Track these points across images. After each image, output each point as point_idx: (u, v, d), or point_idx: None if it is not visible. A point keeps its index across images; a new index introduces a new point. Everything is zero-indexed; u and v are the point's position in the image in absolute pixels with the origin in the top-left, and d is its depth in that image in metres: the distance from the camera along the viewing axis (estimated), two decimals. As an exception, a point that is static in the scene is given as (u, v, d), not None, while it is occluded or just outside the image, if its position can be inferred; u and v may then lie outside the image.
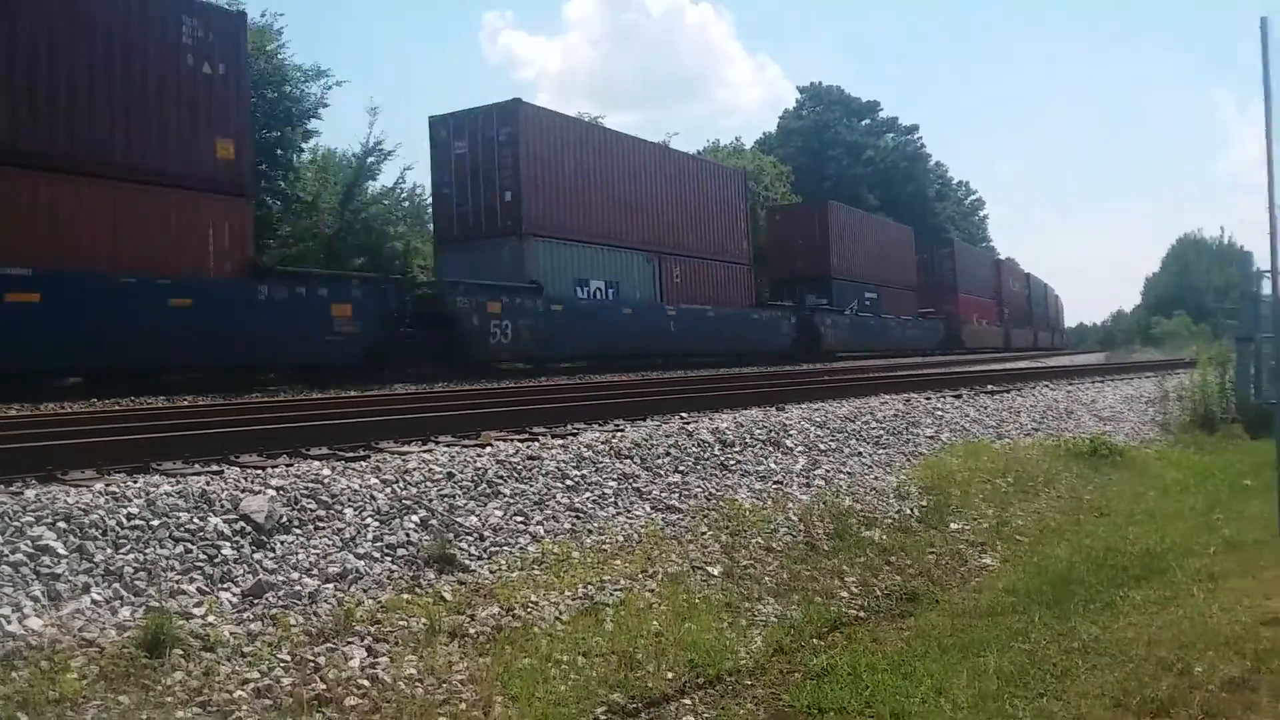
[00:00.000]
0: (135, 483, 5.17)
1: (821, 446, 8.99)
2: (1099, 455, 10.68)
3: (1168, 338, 53.00)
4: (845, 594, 6.00)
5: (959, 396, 13.64)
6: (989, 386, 15.48)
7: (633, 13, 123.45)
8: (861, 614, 5.76)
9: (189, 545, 4.63)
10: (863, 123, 72.88)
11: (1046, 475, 9.66)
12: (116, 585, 4.23)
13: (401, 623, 4.47)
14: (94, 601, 4.10)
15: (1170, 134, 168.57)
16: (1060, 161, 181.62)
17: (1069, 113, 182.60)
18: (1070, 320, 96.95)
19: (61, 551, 4.30)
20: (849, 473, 8.45)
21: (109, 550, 4.42)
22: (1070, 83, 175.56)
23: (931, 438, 10.53)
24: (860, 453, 9.18)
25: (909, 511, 7.72)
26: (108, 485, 5.04)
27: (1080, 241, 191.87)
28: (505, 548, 5.55)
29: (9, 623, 3.79)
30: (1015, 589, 6.13)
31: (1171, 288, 77.49)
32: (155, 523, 4.69)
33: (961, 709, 4.27)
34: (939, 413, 11.85)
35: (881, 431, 10.10)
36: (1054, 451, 10.76)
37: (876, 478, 8.49)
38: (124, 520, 4.63)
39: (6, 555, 4.16)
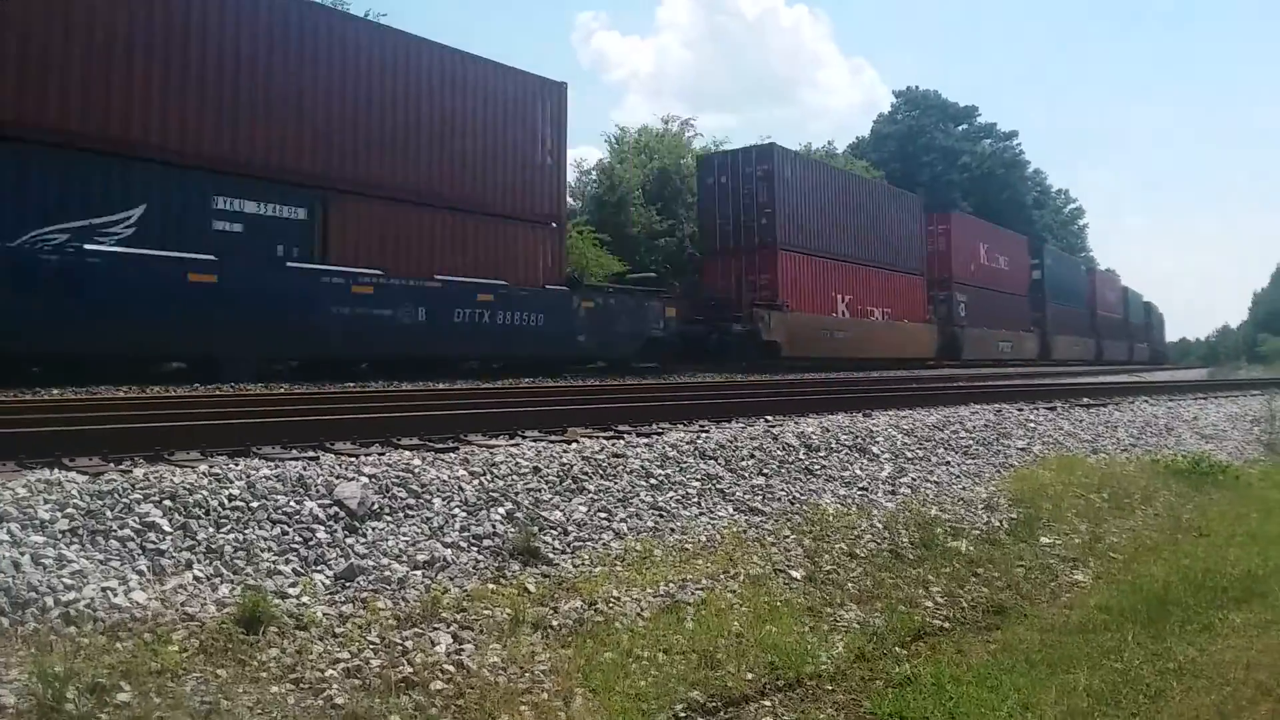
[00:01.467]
0: (236, 465, 5.35)
1: (908, 454, 8.87)
2: (1200, 473, 10.33)
3: (1275, 355, 50.98)
4: (930, 604, 5.91)
5: (1052, 408, 13.30)
6: (1084, 399, 15.07)
7: (726, 14, 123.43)
8: (946, 624, 5.67)
9: (285, 527, 4.78)
10: (959, 128, 71.66)
11: (1144, 492, 9.38)
12: (217, 563, 4.39)
13: (486, 612, 4.54)
14: (195, 578, 4.25)
15: (1276, 145, 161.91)
16: (1166, 172, 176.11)
17: (1175, 122, 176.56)
18: (1172, 334, 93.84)
19: (166, 529, 4.47)
20: (936, 482, 8.32)
21: (211, 529, 4.58)
22: (1177, 91, 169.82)
23: (1023, 449, 10.30)
24: (948, 462, 9.02)
25: (998, 523, 7.56)
26: (211, 467, 5.23)
27: (1186, 255, 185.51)
28: (588, 543, 5.60)
29: (115, 595, 3.96)
30: (1108, 606, 5.97)
31: (1281, 303, 74.56)
32: (254, 504, 4.85)
33: (1049, 726, 4.18)
34: (1031, 424, 11.58)
35: (970, 441, 9.92)
36: (1152, 468, 10.44)
37: (964, 488, 8.34)
38: (225, 501, 4.80)
39: (115, 530, 4.35)
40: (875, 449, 8.70)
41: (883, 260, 32.74)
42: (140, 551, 4.30)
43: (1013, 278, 43.64)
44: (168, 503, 4.64)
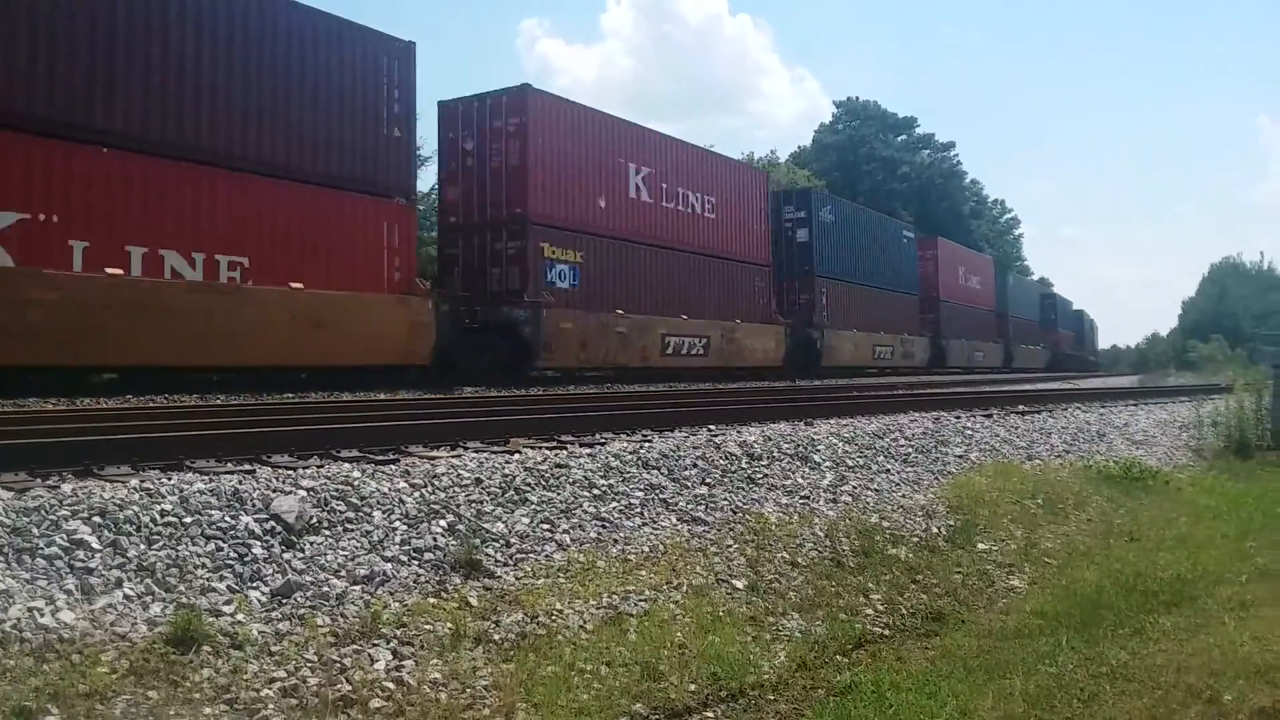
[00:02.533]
0: (169, 479, 5.23)
1: (849, 463, 8.96)
2: (1131, 479, 10.57)
3: (1203, 362, 52.42)
4: (870, 611, 5.97)
5: (989, 416, 13.54)
6: (1020, 407, 15.35)
7: (670, 23, 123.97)
8: (886, 632, 5.73)
9: (220, 543, 4.68)
10: (899, 138, 72.68)
11: (1077, 498, 9.57)
12: (148, 581, 4.29)
13: (427, 627, 4.50)
14: (126, 596, 4.15)
15: (1210, 158, 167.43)
16: (1096, 183, 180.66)
17: (1106, 134, 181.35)
18: (1104, 342, 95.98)
19: (96, 546, 4.36)
20: (876, 490, 8.41)
21: (142, 546, 4.48)
22: (1107, 104, 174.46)
23: (960, 457, 10.46)
24: (888, 470, 9.13)
25: (936, 530, 7.67)
26: (142, 482, 5.11)
27: (1116, 263, 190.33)
28: (531, 555, 5.57)
29: (42, 615, 3.85)
30: (1043, 612, 6.08)
31: (1208, 312, 76.74)
32: (188, 520, 4.74)
33: (986, 731, 4.24)
34: (968, 432, 11.77)
35: (910, 449, 10.05)
36: (1085, 474, 10.66)
37: (904, 495, 8.44)
38: (157, 517, 4.69)
39: (42, 549, 4.23)
40: (817, 457, 8.77)
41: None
42: (68, 570, 4.18)
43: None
44: (97, 519, 4.52)
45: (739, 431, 9.39)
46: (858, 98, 73.69)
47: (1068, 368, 58.22)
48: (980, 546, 7.59)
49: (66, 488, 4.84)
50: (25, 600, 3.89)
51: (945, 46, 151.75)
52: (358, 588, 4.72)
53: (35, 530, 4.32)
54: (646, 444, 8.02)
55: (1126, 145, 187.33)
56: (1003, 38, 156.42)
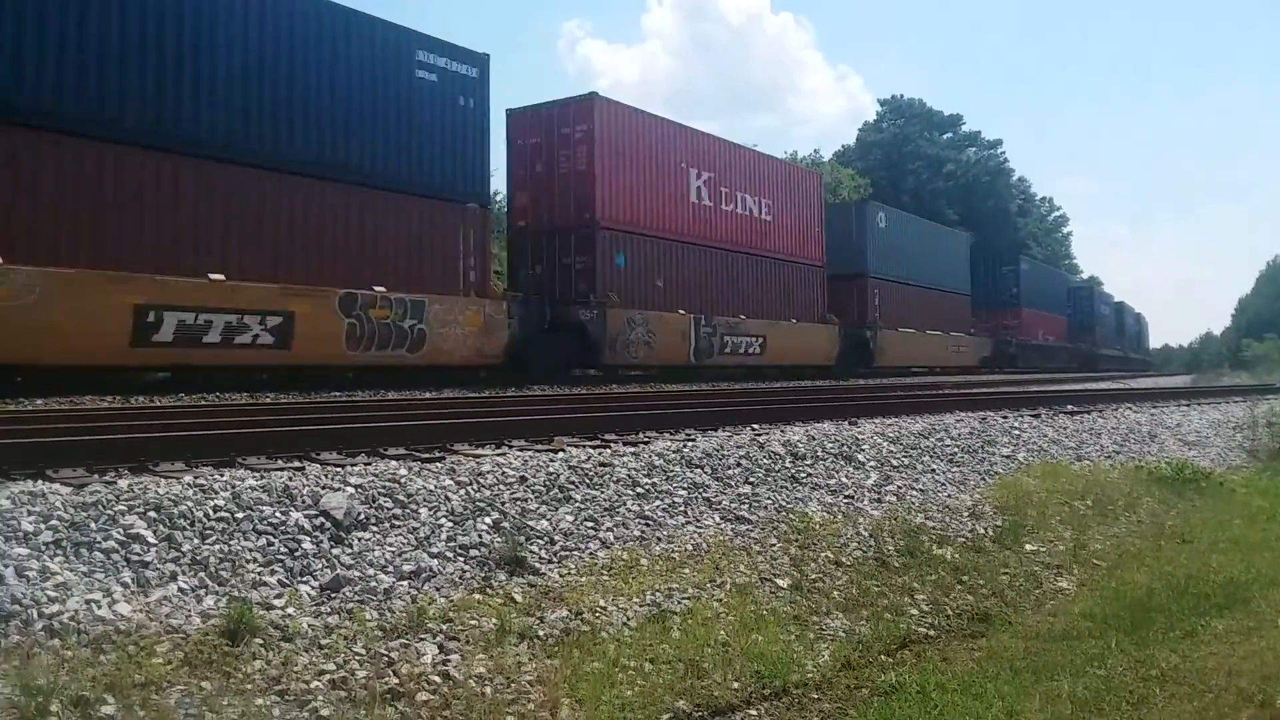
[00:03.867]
0: (221, 476, 5.34)
1: (894, 462, 8.90)
2: (1183, 480, 10.39)
3: (1259, 361, 51.35)
4: (915, 612, 5.93)
5: (1037, 416, 13.37)
6: (1069, 407, 15.15)
7: (710, 22, 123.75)
8: (932, 633, 5.69)
9: (271, 538, 4.77)
10: (944, 136, 71.97)
11: (1127, 499, 9.43)
12: (202, 574, 4.38)
13: (473, 622, 4.54)
14: (180, 590, 4.24)
15: (1260, 153, 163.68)
16: (1145, 181, 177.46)
17: (1159, 130, 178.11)
18: (1155, 341, 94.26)
19: (151, 540, 4.46)
20: (922, 490, 8.35)
21: (196, 540, 4.57)
22: (1154, 100, 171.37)
23: (1008, 457, 10.35)
24: (934, 470, 9.06)
25: (983, 531, 7.60)
26: (196, 478, 5.21)
27: (1170, 262, 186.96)
28: (575, 552, 5.61)
29: (99, 607, 3.94)
30: (1092, 614, 6.00)
31: (1264, 310, 75.13)
32: (240, 515, 4.84)
33: (1033, 733, 4.20)
34: (1015, 432, 11.64)
35: (956, 449, 9.96)
36: (1135, 475, 10.49)
37: (950, 496, 8.37)
38: (210, 512, 4.79)
39: (99, 542, 4.34)
40: (861, 457, 8.73)
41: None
42: (125, 563, 4.28)
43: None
44: (152, 514, 4.62)
45: (783, 431, 9.37)
46: (902, 95, 73.16)
47: (1102, 368, 56.06)
48: (1028, 547, 7.50)
49: (123, 483, 4.95)
50: (83, 593, 3.99)
51: (990, 43, 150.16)
52: (404, 583, 4.78)
53: (93, 524, 4.43)
54: (690, 443, 8.03)
55: (1173, 141, 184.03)
56: (1048, 34, 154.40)
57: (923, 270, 34.83)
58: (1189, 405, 18.07)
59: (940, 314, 36.29)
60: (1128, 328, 72.93)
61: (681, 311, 22.59)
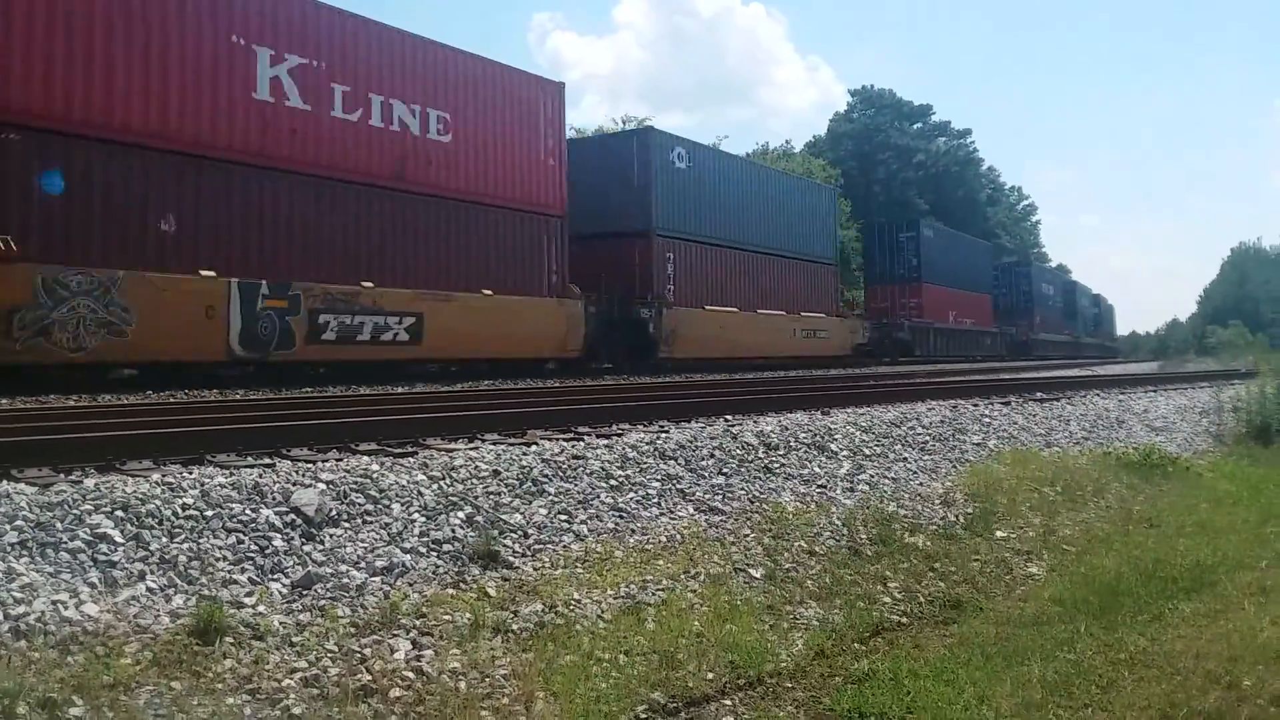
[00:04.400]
0: (190, 474, 5.29)
1: (866, 451, 8.95)
2: (1150, 465, 10.51)
3: (1223, 347, 52.00)
4: (888, 599, 5.98)
5: (1007, 404, 13.49)
6: (1038, 394, 15.29)
7: (682, 14, 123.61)
8: (904, 620, 5.73)
9: (241, 536, 4.73)
10: (914, 126, 72.35)
11: (1096, 485, 9.54)
12: (170, 574, 4.33)
13: (446, 617, 4.53)
14: (149, 589, 4.20)
15: (1228, 143, 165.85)
16: (1114, 170, 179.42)
17: (1124, 121, 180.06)
18: (1125, 328, 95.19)
19: (118, 540, 4.41)
20: (894, 478, 8.40)
21: (164, 539, 4.52)
22: (1125, 91, 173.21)
23: (978, 444, 10.43)
24: (905, 458, 9.12)
25: (954, 518, 7.66)
26: (164, 476, 5.16)
27: (1137, 251, 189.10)
28: (549, 545, 5.60)
29: (66, 608, 3.89)
30: (1061, 599, 6.07)
31: (1229, 297, 76.14)
32: (209, 513, 4.79)
33: (1004, 717, 4.24)
34: (986, 419, 11.73)
35: (927, 437, 10.03)
36: (1104, 461, 10.61)
37: (922, 484, 8.43)
38: (179, 510, 4.74)
39: (66, 542, 4.29)
40: (834, 446, 8.77)
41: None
42: (92, 563, 4.23)
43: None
44: (120, 513, 4.57)
45: (756, 421, 9.39)
46: (873, 86, 73.50)
47: (1039, 355, 52.22)
48: (999, 534, 7.57)
49: (89, 482, 4.89)
50: (50, 594, 3.94)
51: (960, 34, 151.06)
52: (377, 579, 4.76)
53: (59, 524, 4.37)
54: (663, 435, 8.04)
55: (1144, 132, 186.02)
56: (1019, 24, 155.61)
57: (755, 229, 27.35)
58: (1156, 391, 18.28)
59: (789, 289, 28.58)
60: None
61: (207, 273, 14.05)
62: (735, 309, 25.94)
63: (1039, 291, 55.18)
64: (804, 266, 29.70)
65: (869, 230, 40.64)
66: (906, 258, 38.93)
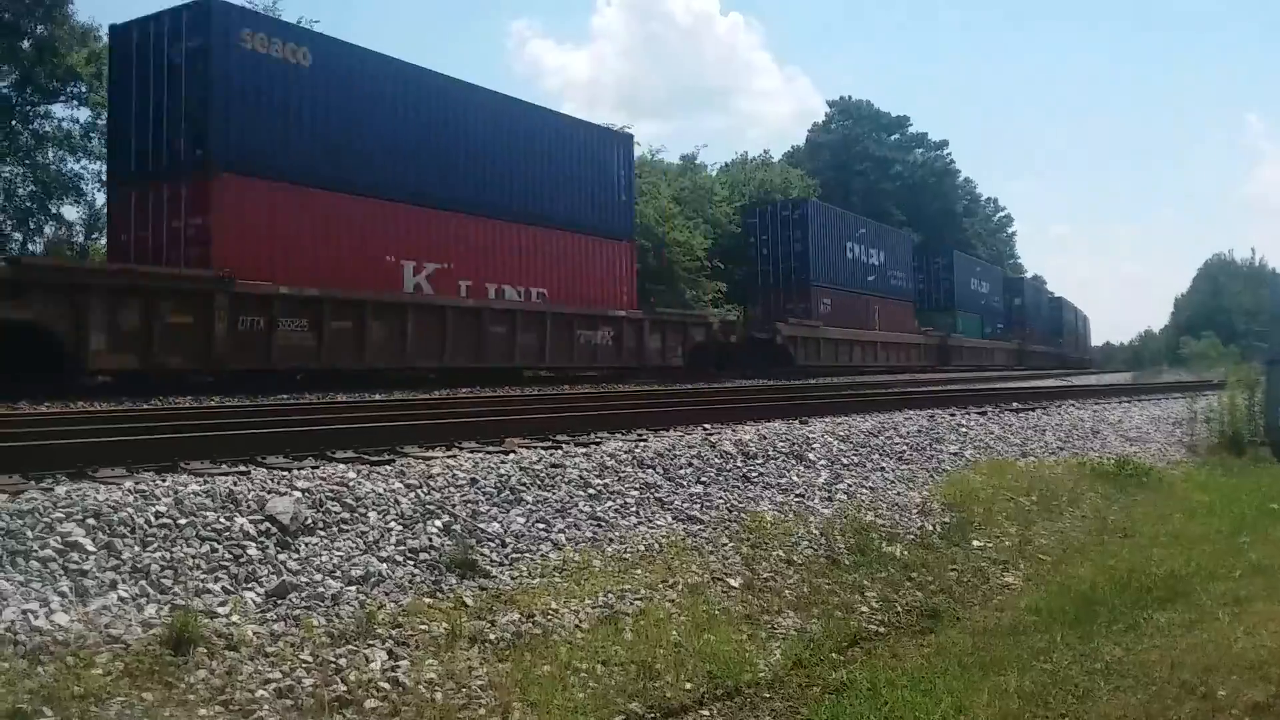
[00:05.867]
0: (164, 481, 5.23)
1: (844, 461, 8.97)
2: (1125, 475, 10.59)
3: (1196, 359, 52.49)
4: (866, 609, 5.98)
5: (984, 413, 13.55)
6: (1014, 404, 15.38)
7: (659, 22, 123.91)
8: (882, 629, 5.74)
9: (215, 544, 4.67)
10: (892, 137, 72.68)
11: (1071, 494, 9.59)
12: (143, 583, 4.28)
13: (423, 627, 4.49)
14: (120, 599, 4.14)
15: (1200, 155, 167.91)
16: (1087, 181, 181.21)
17: (1097, 132, 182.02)
18: (1097, 339, 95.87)
19: (90, 548, 4.35)
20: (871, 488, 8.42)
21: (136, 548, 4.47)
22: (1098, 103, 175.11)
23: (955, 454, 10.47)
24: (883, 468, 9.14)
25: (931, 528, 7.68)
26: (137, 483, 5.10)
27: (1109, 261, 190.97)
28: (527, 554, 5.57)
29: (36, 617, 3.84)
30: (1038, 608, 6.09)
31: (1201, 308, 76.89)
32: (182, 521, 4.74)
33: (981, 727, 4.25)
34: (963, 429, 11.78)
35: (905, 447, 10.06)
36: (1079, 471, 10.68)
37: (899, 493, 8.45)
38: (152, 518, 4.68)
39: (36, 551, 4.22)
40: (812, 455, 8.78)
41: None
42: (63, 572, 4.17)
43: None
44: (91, 521, 4.51)
45: (734, 430, 9.39)
46: (850, 97, 73.77)
47: (1037, 364, 50.89)
48: (975, 543, 7.60)
49: (60, 490, 4.83)
50: (19, 603, 3.88)
51: (937, 45, 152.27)
52: (353, 588, 4.72)
53: (29, 533, 4.31)
54: (642, 443, 8.03)
55: (1117, 143, 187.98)
56: (995, 36, 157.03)
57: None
58: (1130, 402, 18.43)
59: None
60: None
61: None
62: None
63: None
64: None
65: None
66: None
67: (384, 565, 4.99)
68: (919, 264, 45.93)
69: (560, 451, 7.39)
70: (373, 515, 5.39)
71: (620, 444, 7.96)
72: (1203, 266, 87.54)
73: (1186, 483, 11.16)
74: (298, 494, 5.30)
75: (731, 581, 5.84)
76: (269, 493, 5.25)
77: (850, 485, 8.29)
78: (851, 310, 35.52)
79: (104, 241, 21.94)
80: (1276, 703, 4.32)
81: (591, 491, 6.61)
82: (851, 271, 36.60)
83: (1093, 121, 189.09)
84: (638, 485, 6.94)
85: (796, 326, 30.46)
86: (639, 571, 5.66)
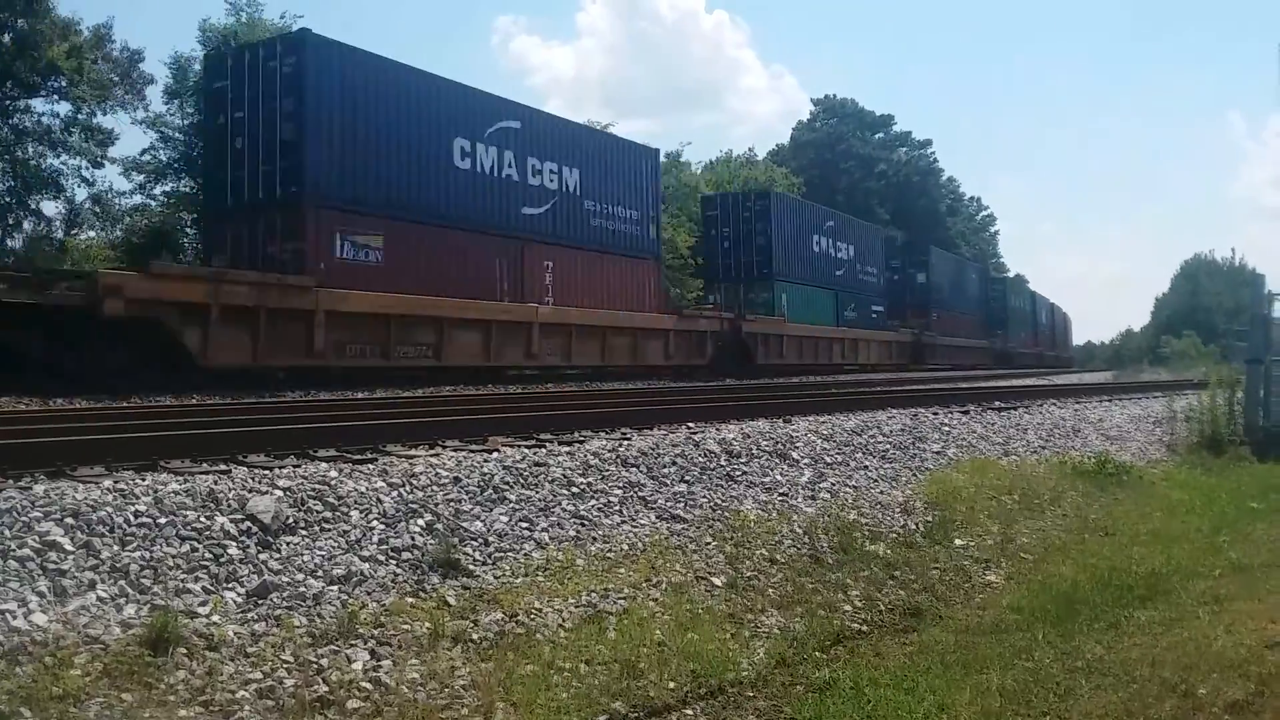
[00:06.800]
0: (143, 480, 5.19)
1: (828, 459, 8.99)
2: (1105, 474, 10.65)
3: (1176, 358, 52.82)
4: (849, 608, 5.99)
5: (966, 413, 13.61)
6: (996, 403, 15.45)
7: (645, 20, 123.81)
8: (865, 628, 5.75)
9: (195, 544, 4.64)
10: (876, 136, 72.93)
11: (1052, 493, 9.64)
12: (122, 583, 4.24)
13: (405, 626, 4.47)
14: (99, 598, 4.11)
15: (1183, 155, 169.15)
16: (1070, 180, 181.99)
17: (1080, 131, 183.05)
18: (1079, 338, 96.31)
19: (68, 548, 4.32)
20: (855, 486, 8.44)
21: (115, 547, 4.43)
22: (1081, 102, 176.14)
23: (938, 453, 10.51)
24: (866, 466, 9.17)
25: (914, 527, 7.70)
26: (116, 483, 5.06)
27: (1092, 260, 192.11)
28: (510, 554, 5.56)
29: (14, 618, 3.80)
30: (1019, 607, 6.11)
31: (1182, 308, 77.38)
32: (162, 521, 4.70)
33: (964, 726, 4.26)
34: (946, 428, 11.83)
35: (888, 446, 10.09)
36: (1060, 469, 10.74)
37: (882, 492, 8.47)
38: (131, 518, 4.64)
39: (14, 550, 4.18)
40: (795, 454, 8.79)
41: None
42: (41, 572, 4.13)
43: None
44: (70, 520, 4.48)
45: (718, 429, 9.40)
46: (835, 95, 73.99)
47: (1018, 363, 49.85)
48: (957, 542, 7.63)
49: (39, 489, 4.79)
50: (-4, 603, 3.85)
51: (923, 44, 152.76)
52: (335, 588, 4.69)
53: (7, 532, 4.27)
54: (625, 442, 8.02)
55: (1100, 142, 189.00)
56: (981, 35, 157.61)
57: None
58: (1111, 401, 18.54)
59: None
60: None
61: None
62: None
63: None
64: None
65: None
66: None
67: (366, 565, 4.96)
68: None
69: (544, 450, 7.38)
70: (355, 514, 5.37)
71: (604, 442, 7.95)
72: (1183, 266, 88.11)
73: (1167, 481, 11.24)
74: (279, 493, 5.27)
75: (715, 580, 5.84)
76: (250, 492, 5.22)
77: (834, 484, 8.31)
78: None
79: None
80: (1256, 700, 4.35)
81: (575, 490, 6.59)
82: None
83: (1076, 121, 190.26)
84: (621, 484, 6.93)
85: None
86: (622, 570, 5.65)
